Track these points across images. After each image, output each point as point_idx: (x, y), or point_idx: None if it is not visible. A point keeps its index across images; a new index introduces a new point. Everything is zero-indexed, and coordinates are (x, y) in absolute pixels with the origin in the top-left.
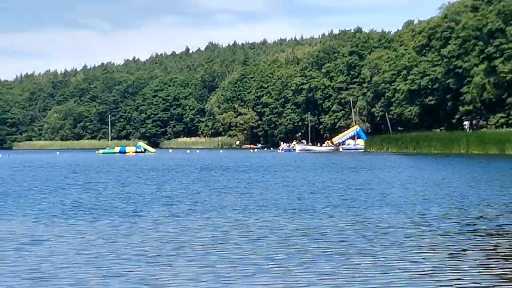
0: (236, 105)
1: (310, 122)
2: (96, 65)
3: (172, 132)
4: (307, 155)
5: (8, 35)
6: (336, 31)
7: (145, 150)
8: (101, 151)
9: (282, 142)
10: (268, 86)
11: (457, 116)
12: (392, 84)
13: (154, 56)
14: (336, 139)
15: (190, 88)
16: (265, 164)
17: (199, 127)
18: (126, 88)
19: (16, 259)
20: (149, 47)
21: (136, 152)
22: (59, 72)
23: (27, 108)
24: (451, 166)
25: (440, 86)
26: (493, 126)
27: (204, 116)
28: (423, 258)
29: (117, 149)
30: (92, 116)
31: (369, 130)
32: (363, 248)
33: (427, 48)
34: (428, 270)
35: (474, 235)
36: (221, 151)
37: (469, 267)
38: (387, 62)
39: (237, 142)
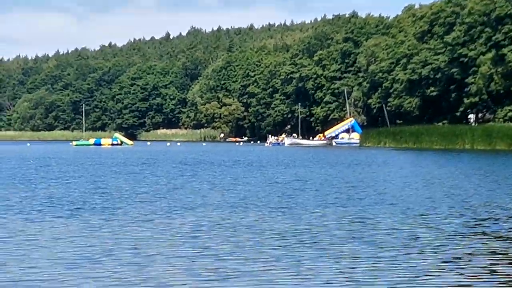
0: (220, 95)
1: (301, 114)
2: (70, 51)
3: (151, 124)
4: (297, 149)
5: None
6: (329, 16)
7: (122, 142)
8: (74, 143)
9: (270, 135)
10: (255, 74)
11: (461, 109)
12: (391, 73)
13: (132, 41)
14: (328, 133)
15: (170, 76)
16: (252, 159)
17: (180, 118)
18: (102, 76)
19: None
20: (127, 32)
21: (112, 144)
22: (29, 58)
23: None
24: (455, 163)
25: (443, 76)
26: (500, 119)
27: (186, 107)
28: (424, 260)
29: (91, 141)
30: (65, 106)
31: (365, 123)
32: (359, 250)
33: (429, 35)
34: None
35: (481, 237)
36: (204, 144)
37: (474, 272)
38: (385, 49)
39: (221, 135)
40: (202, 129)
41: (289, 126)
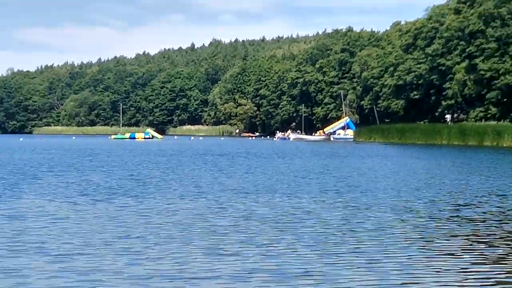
0: (236, 97)
1: (304, 113)
2: (110, 58)
3: (177, 120)
4: (300, 143)
5: (32, 30)
6: (329, 30)
7: (153, 136)
8: (113, 136)
9: (277, 131)
10: (266, 79)
11: (439, 110)
12: (380, 79)
13: (163, 50)
14: (327, 129)
15: (194, 80)
16: (264, 151)
17: (202, 116)
18: (137, 80)
19: (31, 236)
20: (158, 42)
21: (145, 138)
22: (76, 64)
23: (46, 96)
24: (434, 155)
25: (424, 82)
26: (472, 119)
27: (207, 106)
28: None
29: (127, 135)
30: (105, 105)
31: (358, 121)
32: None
33: (413, 47)
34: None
35: (456, 220)
36: (222, 138)
37: (450, 250)
38: (376, 59)
39: (237, 131)
40: (220, 126)
41: (294, 124)
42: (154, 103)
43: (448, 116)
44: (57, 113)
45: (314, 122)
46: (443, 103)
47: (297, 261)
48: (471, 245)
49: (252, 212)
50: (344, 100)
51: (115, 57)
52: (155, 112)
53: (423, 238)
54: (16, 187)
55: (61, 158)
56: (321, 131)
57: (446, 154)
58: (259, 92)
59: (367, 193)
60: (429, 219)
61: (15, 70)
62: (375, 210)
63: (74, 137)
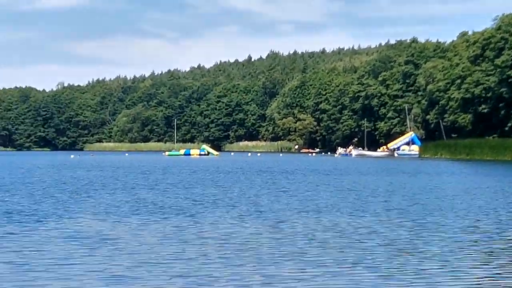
0: (295, 111)
1: (366, 128)
2: (163, 72)
3: (234, 136)
4: (363, 159)
5: (83, 43)
6: (392, 41)
7: (208, 153)
8: (167, 153)
9: (339, 147)
10: (326, 93)
11: (510, 124)
12: (447, 92)
13: (218, 63)
14: (391, 145)
15: (252, 94)
16: (326, 168)
17: (260, 131)
18: (191, 94)
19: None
20: (213, 55)
21: (200, 154)
22: (128, 78)
23: (98, 111)
24: (504, 173)
25: (493, 95)
26: None
27: (265, 121)
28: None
29: (182, 151)
30: (159, 120)
31: (423, 137)
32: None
33: (481, 58)
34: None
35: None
36: (280, 154)
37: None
38: (442, 71)
39: (296, 146)
40: (279, 141)
41: (356, 139)
42: (209, 118)
43: None
44: (109, 129)
45: (377, 138)
46: None
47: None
48: None
49: (314, 234)
50: (408, 114)
51: (169, 70)
52: (211, 128)
53: (491, 261)
54: (68, 205)
55: (113, 176)
56: (385, 146)
57: None
58: (319, 106)
59: (435, 212)
60: (498, 241)
61: (66, 85)
62: (442, 230)
63: (126, 154)
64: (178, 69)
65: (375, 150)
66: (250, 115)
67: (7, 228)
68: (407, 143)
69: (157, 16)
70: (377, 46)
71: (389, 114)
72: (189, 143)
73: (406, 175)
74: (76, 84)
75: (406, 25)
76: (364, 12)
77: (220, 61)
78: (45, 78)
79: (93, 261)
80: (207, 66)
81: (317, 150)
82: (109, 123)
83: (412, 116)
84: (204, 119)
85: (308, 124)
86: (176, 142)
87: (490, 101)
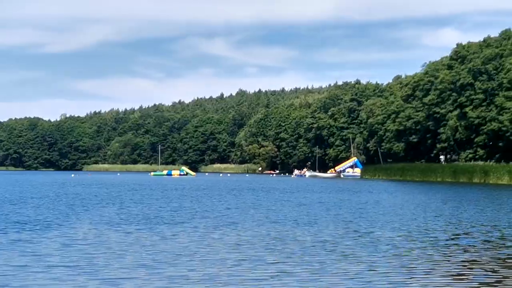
0: (259, 139)
1: (318, 154)
2: (150, 106)
3: (208, 159)
4: (315, 180)
5: (83, 81)
6: (339, 82)
7: (187, 173)
8: (152, 173)
9: (295, 169)
10: (285, 124)
11: (434, 151)
12: (384, 125)
13: (196, 99)
14: (338, 168)
15: (223, 125)
16: (284, 186)
17: (230, 156)
18: (173, 124)
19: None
20: (192, 92)
21: (180, 175)
22: (120, 111)
23: (94, 138)
24: (432, 191)
25: (422, 127)
26: (463, 160)
27: (234, 147)
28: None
29: (165, 172)
30: (146, 146)
31: (364, 161)
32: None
33: (412, 97)
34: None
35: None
36: (247, 175)
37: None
38: (380, 107)
39: (260, 169)
40: (245, 164)
41: (309, 163)
42: (188, 144)
43: (442, 157)
44: (104, 153)
45: (327, 162)
46: (438, 145)
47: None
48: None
49: (274, 243)
50: (352, 142)
51: (155, 104)
52: (189, 152)
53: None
54: (68, 216)
55: (110, 192)
56: (333, 169)
57: (441, 189)
58: (279, 135)
59: (377, 223)
60: (428, 246)
61: (68, 116)
62: (383, 240)
63: (118, 174)
64: (162, 104)
65: (325, 172)
66: (222, 142)
67: (19, 235)
68: (351, 166)
69: (145, 59)
70: (327, 86)
71: (337, 142)
72: (171, 165)
73: (351, 193)
74: (76, 115)
75: (351, 69)
76: (317, 58)
77: (198, 97)
78: (50, 110)
79: (87, 266)
80: (187, 101)
81: (277, 171)
82: (104, 148)
83: (355, 144)
84: (184, 145)
85: (270, 150)
86: (160, 164)
87: (419, 132)
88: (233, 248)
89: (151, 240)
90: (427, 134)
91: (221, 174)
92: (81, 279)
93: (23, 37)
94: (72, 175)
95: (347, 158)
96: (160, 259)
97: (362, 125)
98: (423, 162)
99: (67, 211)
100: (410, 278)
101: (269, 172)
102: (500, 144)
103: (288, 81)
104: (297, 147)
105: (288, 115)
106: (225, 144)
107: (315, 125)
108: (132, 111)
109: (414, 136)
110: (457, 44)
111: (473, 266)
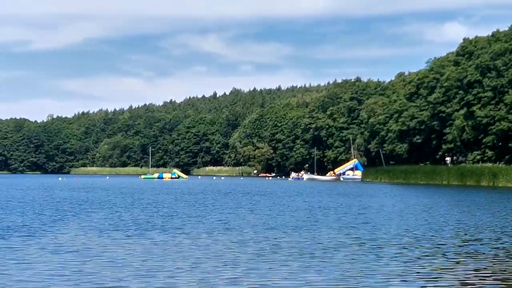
0: (254, 140)
1: (316, 156)
2: (140, 106)
3: (201, 162)
4: (313, 183)
5: (70, 80)
6: (339, 80)
7: (179, 176)
8: (143, 176)
9: (292, 172)
10: (281, 125)
11: (440, 153)
12: (386, 125)
13: (188, 99)
14: (337, 170)
15: (216, 125)
16: (280, 190)
17: (224, 158)
18: (164, 125)
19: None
20: (184, 91)
21: (172, 178)
22: (109, 111)
23: (82, 140)
24: (437, 195)
25: (426, 127)
26: (470, 161)
27: (228, 149)
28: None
29: (156, 175)
30: (136, 147)
31: (365, 163)
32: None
33: (415, 96)
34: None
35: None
36: (241, 178)
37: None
38: (382, 106)
39: (255, 171)
40: (240, 167)
41: (307, 165)
42: (180, 146)
43: (448, 159)
44: (92, 155)
45: (325, 164)
46: (444, 146)
47: None
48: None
49: (277, 245)
50: (352, 144)
51: (145, 104)
52: (181, 154)
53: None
54: (55, 222)
55: (99, 197)
56: (332, 172)
57: (447, 193)
58: (275, 136)
59: (381, 228)
60: (434, 253)
61: (55, 117)
62: (386, 245)
63: (108, 177)
64: (153, 104)
65: (324, 174)
66: (215, 144)
67: (7, 242)
68: (351, 169)
69: (134, 57)
70: (326, 84)
71: (336, 144)
72: (162, 168)
73: (352, 196)
74: (64, 116)
75: (351, 66)
76: (315, 54)
77: (190, 96)
78: (37, 111)
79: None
80: (178, 101)
81: (273, 174)
82: (92, 150)
83: (356, 145)
84: (175, 147)
85: (265, 152)
86: (151, 167)
87: (423, 132)
88: (232, 254)
89: (142, 247)
90: (432, 135)
91: (214, 177)
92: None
93: (6, 35)
94: (60, 179)
95: (347, 160)
96: (153, 267)
97: (362, 125)
98: (427, 164)
99: (53, 215)
100: (417, 287)
101: (264, 175)
102: (510, 144)
103: (285, 79)
104: (294, 149)
105: (285, 115)
106: (219, 145)
107: (313, 126)
108: (122, 111)
109: (418, 137)
110: (464, 39)
111: (483, 274)
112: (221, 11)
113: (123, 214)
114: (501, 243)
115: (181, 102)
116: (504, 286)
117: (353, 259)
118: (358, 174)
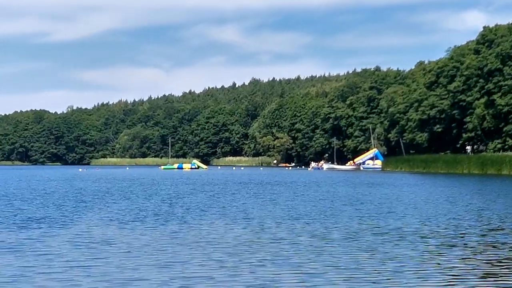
0: (274, 130)
1: (336, 145)
2: (159, 96)
3: (220, 152)
4: (333, 172)
5: (90, 71)
6: (358, 69)
7: (198, 167)
8: (162, 167)
9: (312, 162)
10: (301, 115)
11: (460, 142)
12: (406, 114)
13: (207, 89)
14: (357, 160)
15: (236, 116)
16: (303, 180)
17: (243, 148)
18: (184, 116)
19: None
20: (203, 82)
21: (191, 168)
22: (129, 102)
23: (102, 131)
24: (458, 184)
25: (447, 116)
26: (491, 150)
27: (247, 139)
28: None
29: (175, 165)
30: (156, 138)
31: (385, 153)
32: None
33: (435, 84)
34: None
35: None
36: (261, 168)
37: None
38: (402, 95)
39: (274, 161)
40: (259, 157)
41: (326, 155)
42: (199, 136)
43: (468, 148)
44: (112, 146)
45: (345, 153)
46: (464, 135)
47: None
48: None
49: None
50: (372, 133)
51: (164, 95)
52: (201, 145)
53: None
54: (76, 212)
55: (120, 187)
56: (352, 161)
57: (468, 182)
58: (295, 126)
59: (403, 218)
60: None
61: (74, 108)
62: (410, 236)
63: (127, 168)
64: (172, 94)
65: (344, 164)
66: (234, 134)
67: (29, 232)
68: (371, 158)
69: (153, 48)
70: (345, 73)
71: (356, 133)
72: (182, 158)
73: (372, 186)
74: (83, 107)
75: (370, 55)
76: (334, 44)
77: (209, 87)
78: (56, 102)
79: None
80: (197, 91)
81: (293, 164)
82: (112, 141)
83: (376, 134)
84: (195, 138)
85: (285, 141)
86: (170, 158)
87: (443, 121)
88: (256, 247)
89: (164, 238)
90: (452, 124)
91: (234, 168)
92: (89, 280)
93: (26, 27)
94: (80, 170)
95: (367, 149)
96: (174, 259)
97: (382, 115)
98: (448, 153)
99: (74, 206)
100: (437, 274)
101: (284, 165)
102: None
103: (304, 69)
104: (314, 139)
105: (304, 104)
106: (238, 136)
107: (332, 115)
108: (141, 102)
109: (438, 126)
110: (484, 27)
111: (505, 264)
112: (240, 0)
113: (144, 204)
114: None
115: (200, 92)
116: None
117: (371, 248)
118: (378, 163)
